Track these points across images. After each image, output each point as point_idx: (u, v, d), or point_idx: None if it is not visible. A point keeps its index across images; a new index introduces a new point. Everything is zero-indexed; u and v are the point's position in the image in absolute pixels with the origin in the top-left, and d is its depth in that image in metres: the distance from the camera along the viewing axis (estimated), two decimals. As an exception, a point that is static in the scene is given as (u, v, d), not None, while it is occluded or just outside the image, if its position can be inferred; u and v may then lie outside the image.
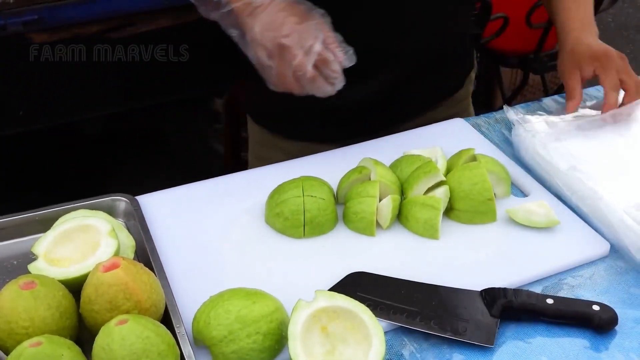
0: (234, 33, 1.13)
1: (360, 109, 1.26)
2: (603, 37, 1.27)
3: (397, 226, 1.03)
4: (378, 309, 0.87)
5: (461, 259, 0.97)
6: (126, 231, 0.96)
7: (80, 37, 2.31)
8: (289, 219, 1.00)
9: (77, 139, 2.79)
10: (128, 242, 0.94)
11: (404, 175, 1.06)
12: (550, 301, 0.88)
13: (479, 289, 0.90)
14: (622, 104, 1.18)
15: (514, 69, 2.87)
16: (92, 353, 0.76)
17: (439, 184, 1.03)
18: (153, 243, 0.96)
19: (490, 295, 0.89)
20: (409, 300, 0.89)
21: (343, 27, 1.14)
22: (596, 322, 0.87)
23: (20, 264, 0.96)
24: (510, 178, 1.08)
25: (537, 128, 1.14)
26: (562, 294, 0.93)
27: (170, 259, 0.96)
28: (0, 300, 0.80)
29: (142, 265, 0.85)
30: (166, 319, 0.84)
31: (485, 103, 2.75)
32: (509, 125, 1.23)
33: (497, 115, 1.28)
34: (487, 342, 0.85)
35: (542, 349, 0.85)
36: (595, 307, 0.87)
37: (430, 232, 1.00)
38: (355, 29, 1.16)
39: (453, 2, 1.27)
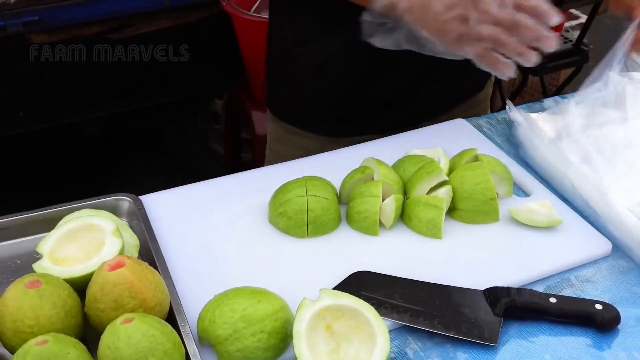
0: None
1: (384, 103, 1.26)
2: (602, 39, 1.28)
3: (400, 226, 1.03)
4: (382, 308, 0.88)
5: (464, 259, 0.97)
6: (130, 230, 0.97)
7: (80, 37, 2.32)
8: (293, 219, 1.00)
9: (77, 139, 2.80)
10: (132, 242, 0.95)
11: (407, 175, 1.07)
12: (553, 300, 0.88)
13: (482, 288, 0.90)
14: None
15: (513, 70, 2.88)
16: (98, 351, 0.77)
17: (442, 183, 1.04)
18: (157, 242, 0.96)
19: (494, 295, 0.89)
20: (412, 299, 0.90)
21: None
22: (599, 321, 0.87)
23: (24, 264, 0.96)
24: (512, 178, 1.08)
25: (540, 128, 1.15)
26: (565, 293, 0.93)
27: (174, 258, 0.97)
28: (5, 299, 0.80)
29: (146, 264, 0.85)
30: (171, 318, 0.84)
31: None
32: (510, 126, 1.23)
33: (498, 115, 1.29)
34: (491, 341, 0.85)
35: (545, 347, 0.86)
36: (598, 306, 0.88)
37: (433, 231, 1.01)
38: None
39: None
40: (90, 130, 2.77)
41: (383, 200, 1.02)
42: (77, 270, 0.87)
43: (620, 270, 0.97)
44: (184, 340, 0.81)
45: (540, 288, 0.93)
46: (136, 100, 2.58)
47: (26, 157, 2.72)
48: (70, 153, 2.78)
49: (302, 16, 1.25)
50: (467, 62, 1.31)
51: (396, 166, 1.09)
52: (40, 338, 0.75)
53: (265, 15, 2.37)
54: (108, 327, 0.77)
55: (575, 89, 1.20)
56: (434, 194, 1.03)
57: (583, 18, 2.97)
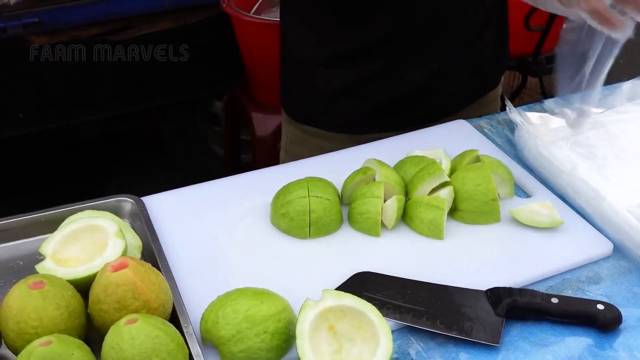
0: None
1: (404, 99, 1.27)
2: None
3: (401, 226, 1.03)
4: (384, 309, 0.88)
5: (466, 259, 0.98)
6: (132, 231, 0.97)
7: (80, 39, 2.32)
8: (295, 220, 1.00)
9: (77, 140, 2.80)
10: (135, 243, 0.95)
11: (408, 176, 1.07)
12: (555, 300, 0.88)
13: (484, 289, 0.91)
14: None
15: (512, 72, 2.89)
16: (102, 352, 0.77)
17: (443, 184, 1.04)
18: (159, 243, 0.96)
19: (496, 295, 0.89)
20: (414, 299, 0.90)
21: (394, 14, 1.15)
22: (601, 321, 0.87)
23: (26, 265, 0.96)
24: (513, 179, 1.09)
25: (540, 129, 1.15)
26: (566, 293, 0.93)
27: (177, 259, 0.97)
28: (9, 300, 0.80)
29: (150, 265, 0.85)
30: (174, 319, 0.84)
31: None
32: (511, 127, 1.24)
33: (499, 117, 1.29)
34: (493, 341, 0.86)
35: (547, 347, 0.86)
36: (600, 306, 0.88)
37: (434, 232, 1.01)
38: (406, 15, 1.17)
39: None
40: (90, 132, 2.77)
41: (385, 201, 1.02)
42: (80, 271, 0.87)
43: (621, 270, 0.97)
44: (187, 341, 0.81)
45: (541, 288, 0.93)
46: (136, 101, 2.58)
47: (26, 159, 2.72)
48: (70, 154, 2.78)
49: (316, 12, 1.25)
50: (483, 58, 1.32)
51: (398, 167, 1.10)
52: (44, 339, 0.75)
53: (265, 16, 2.38)
54: (112, 328, 0.77)
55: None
56: (435, 194, 1.03)
57: (582, 19, 2.97)
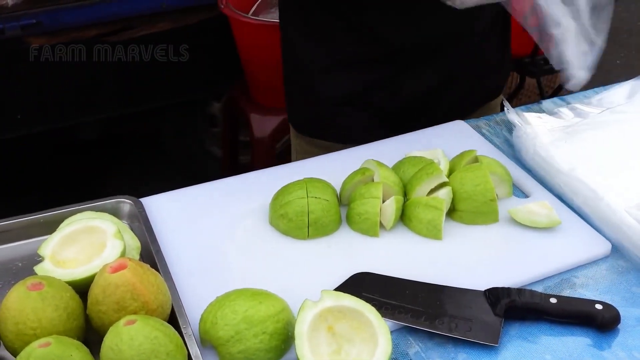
0: None
1: (410, 107, 1.27)
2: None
3: (400, 227, 1.03)
4: (383, 309, 0.88)
5: (464, 259, 0.98)
6: (131, 232, 0.97)
7: (79, 40, 2.32)
8: (293, 220, 1.00)
9: (75, 142, 2.80)
10: (133, 244, 0.95)
11: (407, 176, 1.07)
12: (553, 300, 0.89)
13: (483, 289, 0.91)
14: None
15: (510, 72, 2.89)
16: (101, 353, 0.77)
17: (442, 185, 1.04)
18: (158, 244, 0.96)
19: (494, 295, 0.90)
20: (413, 300, 0.90)
21: (398, 23, 1.16)
22: (599, 321, 0.87)
23: (25, 266, 0.96)
24: (511, 179, 1.09)
25: (538, 130, 1.15)
26: (565, 293, 0.93)
27: (175, 260, 0.97)
28: (8, 301, 0.80)
29: (148, 266, 0.85)
30: (172, 320, 0.84)
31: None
32: (509, 127, 1.24)
33: (497, 117, 1.29)
34: (492, 342, 0.86)
35: (546, 347, 0.86)
36: (598, 306, 0.88)
37: (433, 232, 1.01)
38: (410, 25, 1.18)
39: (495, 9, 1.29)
40: (88, 133, 2.77)
41: (383, 201, 1.02)
42: (79, 272, 0.87)
43: (619, 270, 0.97)
44: (186, 341, 0.81)
45: (540, 288, 0.94)
46: (135, 103, 2.58)
47: (25, 160, 2.73)
48: (68, 156, 2.79)
49: (322, 18, 1.25)
50: (487, 65, 1.32)
51: (396, 168, 1.10)
52: (42, 340, 0.75)
53: (263, 17, 2.38)
54: (110, 329, 0.77)
55: (571, 91, 1.21)
56: (434, 195, 1.03)
57: (580, 20, 2.98)
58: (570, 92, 1.22)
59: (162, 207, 1.06)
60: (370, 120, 1.26)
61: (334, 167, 1.13)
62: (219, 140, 2.78)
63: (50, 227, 0.96)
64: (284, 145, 2.38)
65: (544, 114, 1.23)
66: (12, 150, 2.55)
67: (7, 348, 0.81)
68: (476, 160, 1.09)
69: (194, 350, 0.81)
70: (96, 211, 0.99)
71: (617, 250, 1.00)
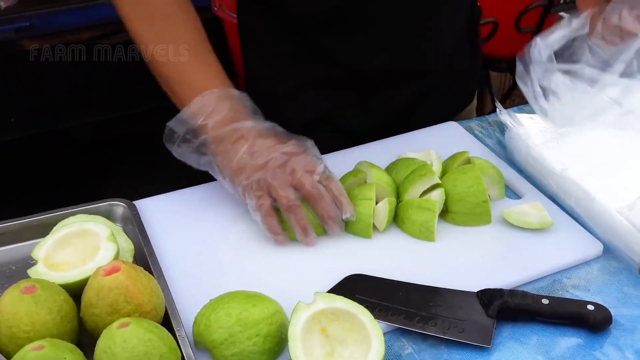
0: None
1: (378, 127, 1.26)
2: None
3: (393, 229, 1.04)
4: (376, 311, 0.88)
5: (457, 261, 0.98)
6: (125, 235, 0.97)
7: (73, 43, 2.32)
8: (287, 222, 1.00)
9: (70, 144, 2.79)
10: (127, 247, 0.95)
11: (400, 178, 1.07)
12: (545, 301, 0.89)
13: (476, 290, 0.91)
14: None
15: (503, 73, 2.90)
16: (94, 356, 0.77)
17: (435, 186, 1.04)
18: (151, 247, 0.97)
19: (487, 296, 0.90)
20: (406, 301, 0.90)
21: (365, 44, 1.15)
22: (591, 322, 0.88)
23: (18, 269, 0.96)
24: (504, 180, 1.09)
25: (530, 131, 1.16)
26: (557, 294, 0.94)
27: (169, 262, 0.97)
28: (1, 305, 0.80)
29: (142, 268, 0.85)
30: (166, 322, 0.84)
31: (476, 107, 2.77)
32: (502, 129, 1.24)
33: (489, 118, 1.30)
34: (484, 343, 0.86)
35: (538, 348, 0.87)
36: (590, 307, 0.88)
37: (426, 234, 1.01)
38: (377, 45, 1.18)
39: (464, 20, 1.29)
40: (85, 135, 2.77)
41: (376, 203, 1.03)
42: (72, 275, 0.87)
43: (611, 271, 0.98)
44: (180, 344, 0.81)
45: (532, 289, 0.94)
46: (129, 105, 2.58)
47: (19, 163, 2.72)
48: (63, 158, 2.78)
49: (280, 42, 1.24)
50: (458, 77, 1.33)
51: (389, 169, 1.10)
52: (36, 343, 0.75)
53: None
54: (104, 332, 0.77)
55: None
56: (426, 196, 1.04)
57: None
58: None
59: (155, 209, 1.07)
60: (338, 140, 1.24)
61: (327, 169, 1.13)
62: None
63: (43, 230, 0.96)
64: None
65: (536, 115, 1.23)
66: (8, 153, 2.54)
67: (1, 351, 0.81)
68: (469, 161, 1.10)
69: (188, 352, 0.81)
70: (90, 214, 0.99)
71: (609, 251, 1.00)
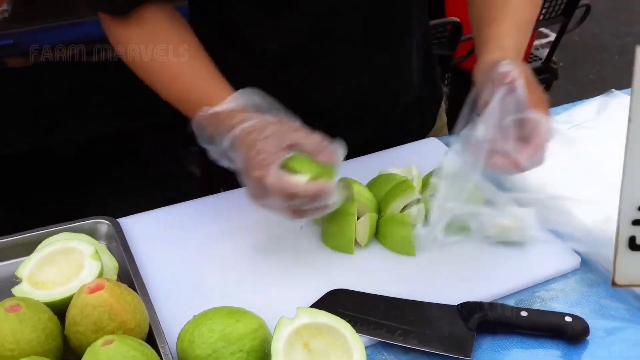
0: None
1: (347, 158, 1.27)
2: (570, 57, 1.31)
3: (374, 244, 1.05)
4: (358, 325, 0.89)
5: (438, 275, 1.00)
6: (109, 253, 0.98)
7: (56, 60, 2.32)
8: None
9: (54, 161, 2.79)
10: (111, 264, 0.96)
11: (381, 193, 1.09)
12: (524, 314, 0.91)
13: (456, 304, 0.93)
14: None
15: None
16: (79, 374, 0.78)
17: (415, 201, 1.06)
18: (135, 264, 0.97)
19: (467, 309, 0.91)
20: (388, 315, 0.92)
21: (328, 80, 1.18)
22: (569, 333, 0.89)
23: (3, 288, 0.96)
24: (483, 194, 1.11)
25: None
26: (536, 306, 0.95)
27: (153, 280, 0.98)
28: (-15, 323, 0.81)
29: (125, 286, 0.86)
30: (150, 339, 0.85)
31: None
32: (481, 144, 1.26)
33: (469, 134, 1.31)
34: (465, 355, 0.87)
35: (518, 360, 0.88)
36: (568, 319, 0.90)
37: (407, 249, 1.03)
38: (340, 81, 1.19)
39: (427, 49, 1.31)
40: (67, 153, 2.77)
41: (358, 218, 1.04)
42: (56, 293, 0.88)
43: (589, 283, 0.99)
44: (164, 360, 0.82)
45: (511, 302, 0.96)
46: (113, 122, 2.58)
47: (2, 180, 2.71)
48: (47, 175, 2.78)
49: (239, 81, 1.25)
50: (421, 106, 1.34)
51: (370, 185, 1.12)
52: (21, 361, 0.76)
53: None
54: (88, 350, 0.78)
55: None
56: (407, 211, 1.05)
57: (552, 36, 3.04)
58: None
59: (139, 227, 1.08)
60: None
61: (310, 185, 1.14)
62: (197, 160, 2.78)
63: (28, 249, 0.97)
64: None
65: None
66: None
67: (-15, 370, 0.82)
68: (449, 177, 1.11)
69: (172, 368, 0.82)
70: (74, 232, 1.00)
71: (586, 264, 1.02)
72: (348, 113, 1.24)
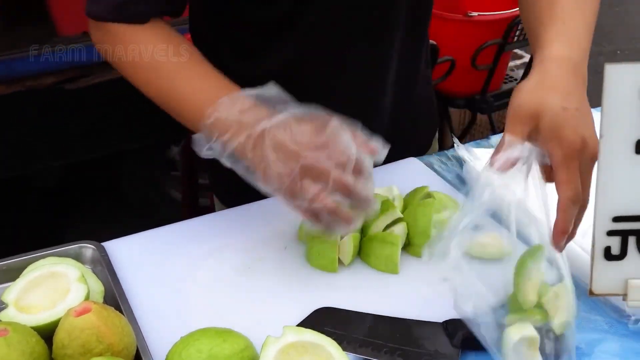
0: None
1: None
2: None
3: (358, 263, 1.07)
4: (344, 343, 0.90)
5: (421, 292, 1.01)
6: (95, 277, 0.98)
7: (35, 89, 2.32)
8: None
9: (32, 190, 2.78)
10: (97, 288, 0.96)
11: (363, 213, 1.10)
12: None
13: (441, 321, 0.94)
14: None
15: (462, 110, 2.97)
16: (67, 397, 0.78)
17: (397, 220, 1.08)
18: (121, 288, 0.98)
19: (452, 326, 0.93)
20: (374, 333, 0.93)
21: (327, 88, 1.19)
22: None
23: (-12, 314, 0.96)
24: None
25: (484, 164, 1.19)
26: (518, 321, 0.97)
27: (139, 302, 0.98)
28: (-27, 348, 0.81)
29: (112, 308, 0.87)
30: (138, 361, 0.86)
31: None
32: (461, 163, 1.28)
33: (449, 153, 1.34)
34: (450, 371, 0.89)
35: (501, 375, 0.89)
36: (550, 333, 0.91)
37: (390, 267, 1.04)
38: (341, 91, 1.21)
39: (421, 64, 1.33)
40: (46, 180, 2.76)
41: (341, 238, 1.05)
42: (43, 317, 0.88)
43: (569, 297, 1.01)
44: (152, 382, 0.82)
45: (494, 317, 0.97)
46: (93, 149, 2.58)
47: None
48: (26, 203, 2.76)
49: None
50: (417, 122, 1.36)
51: (352, 205, 1.13)
52: (9, 386, 0.76)
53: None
54: (77, 372, 0.78)
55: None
56: (389, 230, 1.07)
57: (526, 57, 3.09)
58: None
59: (124, 250, 1.08)
60: None
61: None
62: (179, 184, 2.79)
63: (13, 274, 0.97)
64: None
65: (493, 149, 1.28)
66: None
67: (-27, 395, 0.81)
68: (429, 195, 1.13)
69: (160, 390, 0.82)
70: (59, 257, 1.00)
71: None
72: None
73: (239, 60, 1.19)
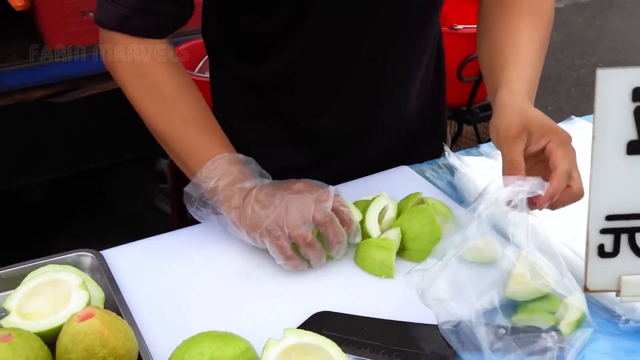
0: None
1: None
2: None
3: (354, 268, 1.08)
4: (343, 345, 0.92)
5: (417, 296, 1.02)
6: (95, 283, 0.99)
7: (24, 102, 2.33)
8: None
9: (20, 203, 2.77)
10: (98, 295, 0.97)
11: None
12: (503, 331, 0.94)
13: (437, 323, 0.96)
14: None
15: (448, 121, 3.00)
16: (72, 400, 0.79)
17: (392, 226, 1.09)
18: (121, 294, 0.99)
19: (447, 328, 0.95)
20: (372, 335, 0.94)
21: (330, 92, 1.22)
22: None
23: (-11, 321, 0.97)
24: (455, 218, 1.15)
25: (478, 171, 1.22)
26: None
27: (139, 309, 0.99)
28: (-23, 354, 0.81)
29: (115, 314, 0.88)
30: (140, 366, 0.87)
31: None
32: (451, 171, 1.31)
33: (439, 161, 1.36)
34: (446, 372, 0.90)
35: (497, 376, 0.91)
36: (544, 335, 0.93)
37: (385, 271, 1.06)
38: (326, 110, 1.24)
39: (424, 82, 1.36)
40: (34, 194, 2.75)
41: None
42: (46, 323, 0.89)
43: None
44: (155, 385, 0.83)
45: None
46: (82, 162, 2.59)
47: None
48: (14, 217, 2.75)
49: (240, 108, 1.31)
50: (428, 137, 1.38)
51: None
52: (14, 390, 0.76)
53: (207, 75, 2.43)
54: (81, 376, 0.79)
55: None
56: (384, 235, 1.09)
57: (510, 70, 3.13)
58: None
59: (122, 259, 1.09)
60: None
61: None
62: (168, 197, 2.80)
63: (13, 283, 0.98)
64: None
65: (483, 157, 1.31)
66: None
67: (-23, 401, 0.82)
68: (422, 202, 1.15)
69: (163, 393, 0.83)
70: (59, 265, 1.01)
71: (557, 280, 1.06)
72: (337, 142, 1.28)
73: (244, 65, 1.23)
